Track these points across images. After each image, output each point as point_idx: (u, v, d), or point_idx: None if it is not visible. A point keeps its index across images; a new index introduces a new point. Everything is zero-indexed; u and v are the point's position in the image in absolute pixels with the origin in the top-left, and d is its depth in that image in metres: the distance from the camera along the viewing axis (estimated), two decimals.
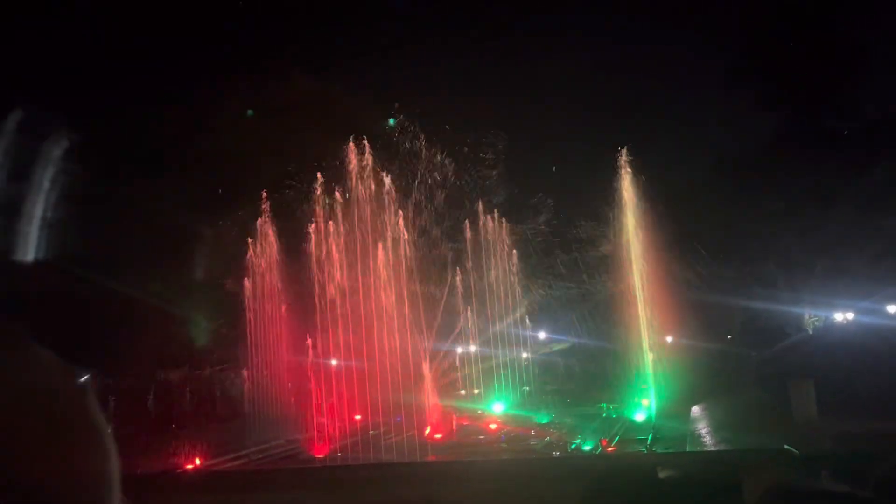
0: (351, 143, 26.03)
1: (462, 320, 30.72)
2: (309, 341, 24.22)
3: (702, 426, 20.92)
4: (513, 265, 32.08)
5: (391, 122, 32.51)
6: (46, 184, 27.83)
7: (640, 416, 23.99)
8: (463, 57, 37.46)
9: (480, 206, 31.47)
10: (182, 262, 31.49)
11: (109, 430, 1.19)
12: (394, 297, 24.40)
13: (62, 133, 27.95)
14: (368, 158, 26.11)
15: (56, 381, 1.16)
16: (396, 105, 32.68)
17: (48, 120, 28.16)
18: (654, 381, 26.09)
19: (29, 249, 27.14)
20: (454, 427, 24.51)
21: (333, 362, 24.36)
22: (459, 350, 32.40)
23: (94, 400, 1.19)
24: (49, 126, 28.26)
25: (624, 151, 28.38)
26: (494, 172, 33.38)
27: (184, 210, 29.73)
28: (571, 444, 20.27)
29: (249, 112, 33.49)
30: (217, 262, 31.33)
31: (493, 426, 24.29)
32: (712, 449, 17.37)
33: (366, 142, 26.19)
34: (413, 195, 31.34)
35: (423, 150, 32.13)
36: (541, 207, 34.56)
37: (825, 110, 37.27)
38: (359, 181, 25.86)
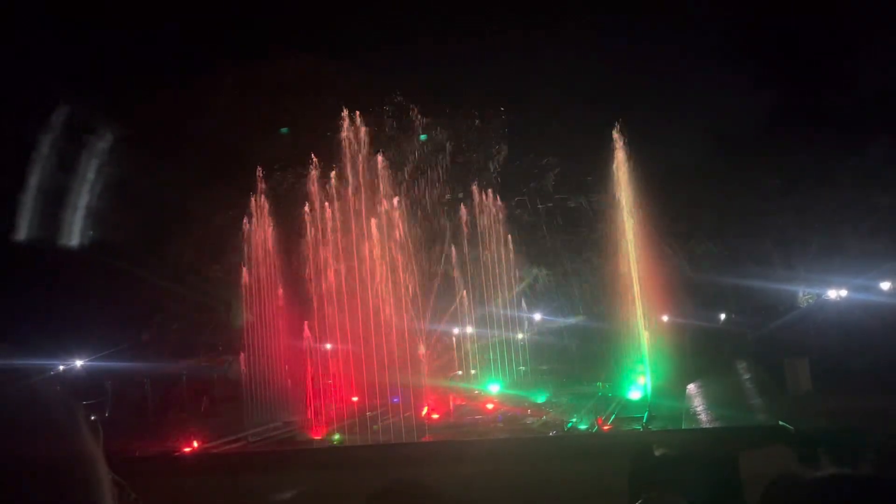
0: (345, 121, 25.79)
1: (458, 300, 30.74)
2: (306, 325, 24.17)
3: (697, 404, 21.03)
4: (508, 243, 32.10)
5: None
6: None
7: (635, 395, 24.07)
8: (459, 33, 37.04)
9: (476, 185, 31.39)
10: (176, 246, 31.35)
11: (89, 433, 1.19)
12: (389, 276, 24.37)
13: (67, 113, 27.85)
14: (362, 134, 25.87)
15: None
16: (398, 94, 32.61)
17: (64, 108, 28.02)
18: (649, 359, 26.17)
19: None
20: (451, 407, 24.57)
21: (329, 345, 24.35)
22: (456, 330, 32.43)
23: (77, 407, 1.20)
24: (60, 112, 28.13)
25: (617, 129, 28.15)
26: (492, 150, 33.36)
27: (176, 191, 29.57)
28: (567, 423, 20.35)
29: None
30: (211, 245, 31.19)
31: (489, 406, 24.36)
32: (708, 426, 17.47)
33: (359, 118, 25.96)
34: (409, 171, 31.28)
35: (420, 128, 32.05)
36: (539, 173, 34.63)
37: (821, 88, 37.14)
38: (354, 158, 25.64)
